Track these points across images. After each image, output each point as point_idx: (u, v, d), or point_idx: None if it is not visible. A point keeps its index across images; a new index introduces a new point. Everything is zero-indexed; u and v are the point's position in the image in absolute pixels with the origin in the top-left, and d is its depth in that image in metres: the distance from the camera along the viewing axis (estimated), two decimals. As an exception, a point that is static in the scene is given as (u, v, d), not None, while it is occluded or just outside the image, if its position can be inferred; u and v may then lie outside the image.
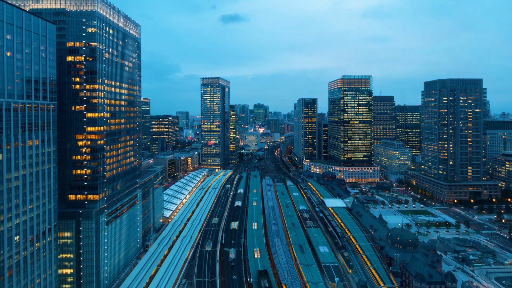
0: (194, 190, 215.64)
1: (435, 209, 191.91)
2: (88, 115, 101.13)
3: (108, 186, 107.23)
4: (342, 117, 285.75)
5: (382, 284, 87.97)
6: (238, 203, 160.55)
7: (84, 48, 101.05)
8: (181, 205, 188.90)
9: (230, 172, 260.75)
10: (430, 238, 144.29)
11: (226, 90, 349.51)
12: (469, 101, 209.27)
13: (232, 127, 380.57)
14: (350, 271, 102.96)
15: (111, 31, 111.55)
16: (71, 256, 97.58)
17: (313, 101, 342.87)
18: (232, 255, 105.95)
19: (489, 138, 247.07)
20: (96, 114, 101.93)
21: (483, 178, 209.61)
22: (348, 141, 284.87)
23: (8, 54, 72.48)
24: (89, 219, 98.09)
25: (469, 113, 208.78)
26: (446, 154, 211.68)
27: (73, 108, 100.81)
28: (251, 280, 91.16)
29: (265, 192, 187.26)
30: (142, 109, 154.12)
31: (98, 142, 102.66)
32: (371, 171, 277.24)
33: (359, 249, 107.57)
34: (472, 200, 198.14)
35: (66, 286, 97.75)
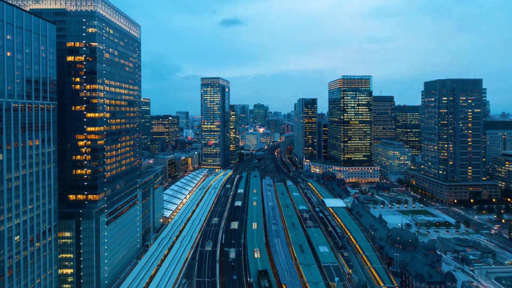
0: (194, 190, 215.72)
1: (435, 209, 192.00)
2: (88, 115, 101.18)
3: (108, 186, 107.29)
4: (342, 117, 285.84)
5: (382, 284, 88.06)
6: (238, 203, 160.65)
7: (84, 48, 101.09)
8: (181, 205, 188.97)
9: (230, 172, 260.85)
10: (430, 238, 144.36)
11: (226, 90, 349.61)
12: (469, 101, 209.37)
13: (232, 127, 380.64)
14: (350, 271, 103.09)
15: (111, 31, 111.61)
16: (71, 256, 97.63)
17: (313, 101, 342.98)
18: (232, 255, 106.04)
19: (489, 138, 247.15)
20: (96, 114, 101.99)
21: (483, 178, 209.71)
22: (348, 141, 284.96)
23: (8, 54, 72.53)
24: (89, 219, 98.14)
25: (469, 113, 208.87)
26: (446, 154, 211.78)
27: (73, 108, 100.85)
28: (251, 280, 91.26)
29: (265, 192, 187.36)
30: (142, 109, 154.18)
31: (98, 142, 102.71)
32: (371, 171, 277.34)
33: (359, 249, 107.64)
34: (472, 200, 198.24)
35: (66, 286, 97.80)
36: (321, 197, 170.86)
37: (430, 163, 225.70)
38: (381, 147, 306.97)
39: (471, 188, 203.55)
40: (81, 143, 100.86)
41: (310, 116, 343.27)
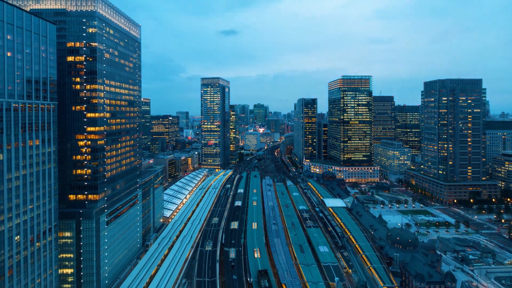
0: (194, 190, 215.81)
1: (434, 209, 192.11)
2: (89, 115, 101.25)
3: (109, 186, 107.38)
4: (342, 117, 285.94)
5: (382, 284, 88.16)
6: (238, 203, 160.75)
7: (84, 48, 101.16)
8: (181, 205, 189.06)
9: (230, 172, 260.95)
10: (430, 238, 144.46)
11: (226, 90, 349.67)
12: (469, 101, 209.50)
13: (232, 127, 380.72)
14: (350, 271, 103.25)
15: (111, 31, 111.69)
16: (72, 256, 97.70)
17: (313, 101, 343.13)
18: (232, 255, 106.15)
19: (488, 138, 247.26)
20: (97, 114, 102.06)
21: (483, 178, 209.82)
22: (348, 141, 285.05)
23: (9, 54, 72.61)
24: (90, 219, 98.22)
25: (468, 113, 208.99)
26: (445, 154, 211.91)
27: (73, 108, 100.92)
28: (251, 280, 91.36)
29: (265, 192, 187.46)
30: (142, 109, 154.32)
31: (99, 142, 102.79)
32: (371, 171, 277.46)
33: (359, 249, 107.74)
34: (471, 200, 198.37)
35: (67, 286, 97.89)
36: (321, 197, 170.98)
37: (430, 163, 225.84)
38: (381, 147, 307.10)
39: (471, 188, 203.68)
40: (81, 143, 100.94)
41: (310, 116, 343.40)
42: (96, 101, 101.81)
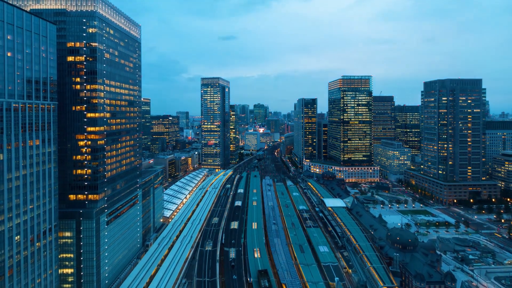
0: (194, 190, 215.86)
1: (434, 209, 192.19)
2: (89, 115, 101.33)
3: (109, 186, 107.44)
4: (342, 117, 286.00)
5: (381, 284, 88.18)
6: (238, 203, 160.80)
7: (84, 48, 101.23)
8: (181, 205, 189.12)
9: (230, 172, 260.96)
10: (430, 237, 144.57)
11: (226, 90, 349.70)
12: (469, 101, 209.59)
13: (232, 127, 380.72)
14: (350, 270, 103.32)
15: (111, 31, 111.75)
16: (72, 256, 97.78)
17: (313, 101, 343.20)
18: (232, 254, 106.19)
19: (488, 138, 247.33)
20: (97, 114, 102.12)
21: (483, 178, 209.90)
22: (348, 141, 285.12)
23: (9, 54, 72.68)
24: (90, 219, 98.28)
25: (468, 113, 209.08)
26: (445, 154, 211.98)
27: (73, 108, 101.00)
28: (251, 280, 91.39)
29: (265, 192, 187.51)
30: (142, 109, 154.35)
31: (99, 142, 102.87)
32: (370, 171, 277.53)
33: (359, 248, 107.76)
34: (471, 200, 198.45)
35: (67, 285, 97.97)
36: (321, 197, 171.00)
37: (429, 163, 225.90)
38: (381, 147, 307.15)
39: (471, 188, 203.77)
40: (81, 143, 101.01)
41: (310, 116, 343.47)
42: (96, 101, 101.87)
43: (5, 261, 69.59)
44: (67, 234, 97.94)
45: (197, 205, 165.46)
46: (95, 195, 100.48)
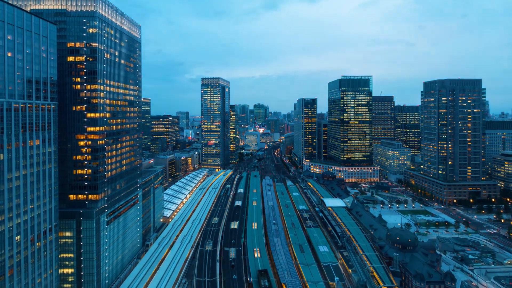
0: (194, 190, 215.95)
1: (434, 209, 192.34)
2: (89, 115, 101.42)
3: (109, 186, 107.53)
4: (341, 117, 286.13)
5: (381, 284, 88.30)
6: (238, 203, 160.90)
7: (84, 49, 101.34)
8: (182, 205, 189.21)
9: (230, 172, 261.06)
10: (430, 237, 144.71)
11: (226, 90, 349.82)
12: (468, 101, 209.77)
13: (232, 127, 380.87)
14: (350, 270, 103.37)
15: (111, 32, 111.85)
16: (72, 255, 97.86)
17: (313, 101, 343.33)
18: (232, 254, 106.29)
19: (488, 138, 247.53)
20: (97, 114, 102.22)
21: (482, 178, 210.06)
22: (348, 141, 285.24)
23: (9, 54, 72.79)
24: (90, 219, 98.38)
25: (468, 113, 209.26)
26: (445, 154, 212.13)
27: (73, 108, 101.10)
28: (251, 280, 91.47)
29: (265, 192, 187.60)
30: (142, 109, 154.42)
31: (99, 142, 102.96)
32: (370, 171, 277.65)
33: (358, 248, 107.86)
34: (471, 200, 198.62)
35: (67, 285, 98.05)
36: (321, 197, 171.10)
37: (429, 163, 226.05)
38: (380, 147, 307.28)
39: (471, 188, 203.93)
40: (81, 143, 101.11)
41: (310, 116, 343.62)
42: (96, 101, 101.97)
43: (5, 261, 69.70)
44: (67, 234, 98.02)
45: (197, 205, 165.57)
46: (95, 195, 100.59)
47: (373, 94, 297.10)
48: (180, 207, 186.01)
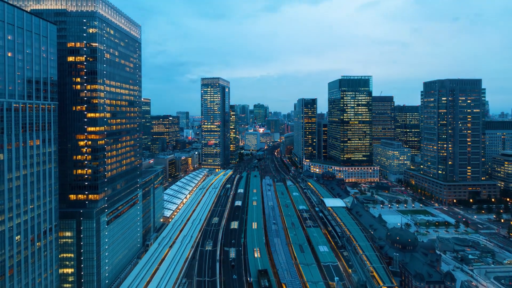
0: (194, 190, 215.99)
1: (434, 209, 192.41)
2: (89, 115, 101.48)
3: (109, 186, 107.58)
4: (341, 117, 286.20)
5: (381, 284, 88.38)
6: (238, 203, 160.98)
7: (84, 49, 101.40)
8: (182, 205, 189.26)
9: (230, 172, 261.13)
10: (429, 237, 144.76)
11: (226, 90, 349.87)
12: (468, 101, 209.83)
13: (232, 127, 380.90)
14: (350, 270, 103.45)
15: (111, 32, 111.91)
16: (72, 255, 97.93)
17: (313, 101, 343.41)
18: (232, 254, 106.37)
19: (488, 138, 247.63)
20: (97, 114, 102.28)
21: (482, 178, 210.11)
22: (348, 141, 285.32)
23: (9, 54, 72.86)
24: (90, 219, 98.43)
25: (468, 113, 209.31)
26: (445, 154, 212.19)
27: (74, 108, 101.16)
28: (251, 280, 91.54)
29: (265, 192, 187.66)
30: (142, 109, 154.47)
31: (99, 142, 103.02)
32: (370, 171, 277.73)
33: (358, 248, 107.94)
34: (471, 200, 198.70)
35: (67, 285, 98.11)
36: (321, 197, 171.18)
37: (429, 163, 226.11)
38: (380, 147, 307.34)
39: (470, 188, 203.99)
40: (81, 143, 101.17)
41: (310, 116, 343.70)
42: (96, 101, 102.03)
43: (5, 261, 69.77)
44: (68, 234, 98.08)
45: (197, 205, 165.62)
46: (95, 195, 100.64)
47: (373, 94, 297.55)
48: (180, 207, 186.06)
